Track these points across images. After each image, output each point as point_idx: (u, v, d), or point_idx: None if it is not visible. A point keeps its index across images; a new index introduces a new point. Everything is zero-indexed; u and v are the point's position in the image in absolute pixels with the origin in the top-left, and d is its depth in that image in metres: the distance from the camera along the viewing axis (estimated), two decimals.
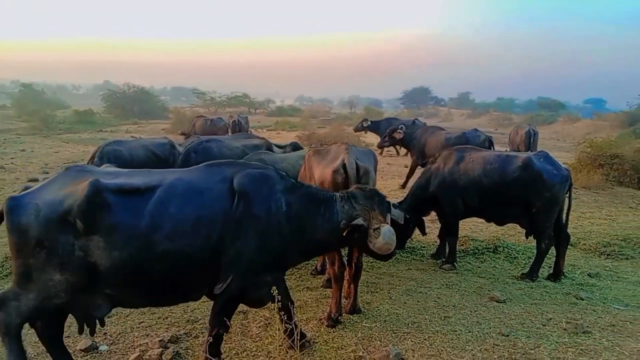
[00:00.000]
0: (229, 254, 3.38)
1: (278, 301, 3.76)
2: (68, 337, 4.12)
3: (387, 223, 3.68)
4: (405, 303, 5.22)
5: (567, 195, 6.20)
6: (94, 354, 4.06)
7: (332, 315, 4.61)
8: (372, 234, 3.65)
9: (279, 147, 8.26)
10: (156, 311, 4.83)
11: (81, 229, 3.06)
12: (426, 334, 4.45)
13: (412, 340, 4.33)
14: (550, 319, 4.92)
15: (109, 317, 4.48)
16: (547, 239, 6.16)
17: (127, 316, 4.74)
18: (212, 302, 3.71)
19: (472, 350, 4.18)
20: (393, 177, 13.50)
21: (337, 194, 3.89)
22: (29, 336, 4.25)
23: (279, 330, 3.97)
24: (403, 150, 15.90)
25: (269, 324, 4.54)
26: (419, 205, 6.61)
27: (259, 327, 4.52)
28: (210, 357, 3.61)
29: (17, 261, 3.13)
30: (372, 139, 18.53)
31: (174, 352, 4.02)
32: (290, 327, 3.89)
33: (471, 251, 7.17)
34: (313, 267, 6.16)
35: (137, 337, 4.34)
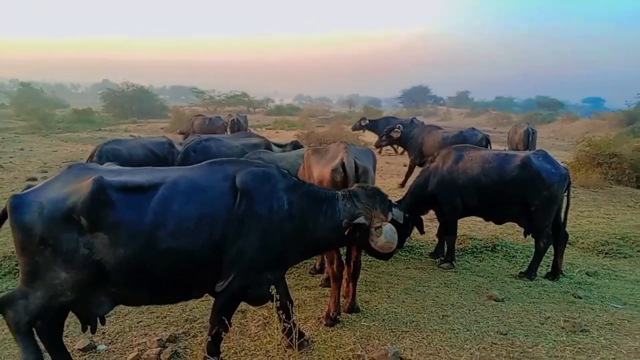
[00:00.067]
0: (231, 252, 3.39)
1: (277, 300, 3.76)
2: (66, 336, 4.12)
3: (389, 222, 3.69)
4: (403, 302, 5.22)
5: (566, 194, 6.21)
6: (92, 354, 4.06)
7: (331, 314, 4.61)
8: (373, 233, 3.66)
9: (279, 146, 8.25)
10: (154, 310, 4.83)
11: (85, 226, 3.07)
12: (424, 333, 4.46)
13: (410, 339, 4.34)
14: (549, 317, 4.93)
15: (107, 317, 4.48)
16: (545, 238, 6.17)
17: (125, 315, 4.74)
18: (210, 302, 3.71)
19: (470, 349, 4.19)
20: (392, 176, 13.51)
21: (339, 192, 3.90)
22: None
23: (277, 329, 3.97)
24: (401, 149, 15.90)
25: (267, 323, 4.54)
26: (417, 204, 6.61)
27: (258, 326, 4.52)
28: (209, 356, 3.62)
29: (22, 259, 3.14)
30: (371, 137, 18.53)
31: (172, 351, 4.02)
32: (289, 326, 3.89)
33: (470, 250, 7.18)
34: (312, 266, 6.16)
35: (135, 337, 4.34)
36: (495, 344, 4.29)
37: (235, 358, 4.00)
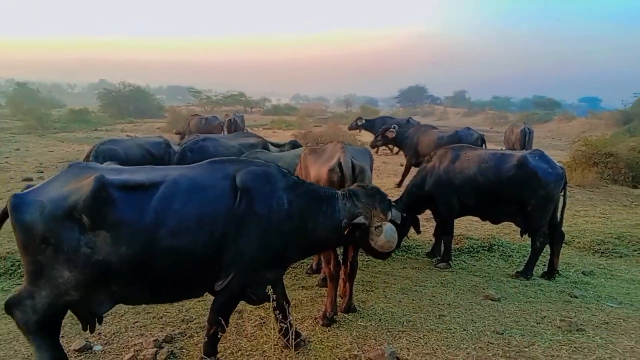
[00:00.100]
0: (230, 251, 3.40)
1: (273, 300, 3.76)
2: (62, 336, 4.09)
3: (389, 221, 3.70)
4: (400, 302, 5.23)
5: (562, 193, 6.23)
6: (88, 354, 4.04)
7: (328, 314, 4.61)
8: (373, 232, 3.68)
9: (278, 145, 8.24)
10: (151, 311, 4.82)
11: (87, 225, 3.07)
12: (421, 333, 4.46)
13: (407, 339, 4.34)
14: (545, 316, 4.94)
15: (103, 317, 4.46)
16: (541, 237, 6.18)
17: (121, 316, 4.73)
18: (207, 302, 3.71)
19: (466, 348, 4.19)
20: (389, 176, 13.51)
21: (339, 191, 3.91)
22: (22, 335, 4.24)
23: (274, 329, 3.97)
24: (397, 149, 15.90)
25: (264, 323, 4.53)
26: (414, 204, 6.62)
27: (254, 326, 4.51)
28: (205, 356, 3.61)
29: (25, 259, 3.15)
30: (368, 137, 18.53)
31: (168, 351, 4.01)
32: (285, 326, 3.89)
33: (466, 250, 7.19)
34: (308, 266, 6.16)
35: (131, 337, 4.33)
36: (491, 343, 4.30)
37: (232, 358, 3.99)
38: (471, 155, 6.46)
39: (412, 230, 6.25)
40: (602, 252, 7.42)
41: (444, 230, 6.69)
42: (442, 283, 5.88)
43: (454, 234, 6.88)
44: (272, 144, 8.24)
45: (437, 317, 4.85)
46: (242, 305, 4.13)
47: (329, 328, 4.52)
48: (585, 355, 4.14)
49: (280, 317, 3.84)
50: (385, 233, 3.63)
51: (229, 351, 4.07)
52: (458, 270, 6.41)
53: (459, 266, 6.59)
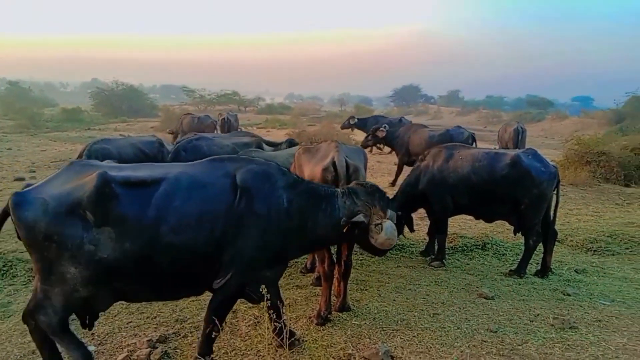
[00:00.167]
0: (230, 249, 3.40)
1: (267, 300, 3.75)
2: None
3: (388, 219, 3.71)
4: (394, 300, 5.23)
5: (555, 192, 6.26)
6: None
7: (322, 313, 4.61)
8: (373, 230, 3.69)
9: (272, 144, 8.22)
10: (144, 311, 4.80)
11: (91, 221, 3.07)
12: (415, 331, 4.47)
13: (401, 338, 4.35)
14: (538, 314, 4.96)
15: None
16: (535, 236, 6.21)
17: (115, 316, 4.70)
18: (201, 302, 3.70)
19: (460, 346, 4.20)
20: (383, 175, 13.53)
21: (339, 189, 3.93)
22: (15, 337, 4.22)
23: (268, 329, 3.96)
24: (388, 149, 15.90)
25: (258, 322, 4.52)
26: (408, 203, 6.63)
27: (248, 325, 4.50)
28: (199, 356, 3.60)
29: (33, 257, 3.16)
30: (361, 136, 18.55)
31: (162, 352, 3.99)
32: (280, 325, 3.89)
33: (460, 248, 7.21)
34: (303, 265, 6.15)
35: (125, 337, 4.30)
36: (485, 341, 4.31)
37: (226, 358, 3.98)
38: (465, 154, 6.47)
39: (406, 229, 6.27)
40: (594, 250, 7.47)
41: (437, 229, 6.71)
42: (436, 282, 5.89)
43: (448, 233, 6.91)
44: (267, 143, 8.22)
45: (431, 315, 4.86)
46: (236, 304, 4.12)
47: (323, 327, 4.52)
48: (578, 352, 4.16)
49: (275, 316, 3.84)
50: (386, 230, 3.65)
51: (223, 351, 4.06)
52: (452, 269, 6.43)
53: (453, 265, 6.61)
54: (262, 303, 3.71)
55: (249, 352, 4.05)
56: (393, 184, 11.72)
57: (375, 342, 4.17)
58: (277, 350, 4.00)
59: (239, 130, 16.76)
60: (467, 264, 6.72)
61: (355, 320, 4.70)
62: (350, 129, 18.72)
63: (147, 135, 9.26)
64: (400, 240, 7.14)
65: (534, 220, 6.16)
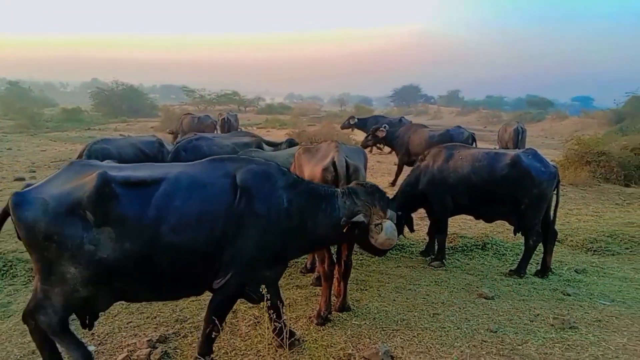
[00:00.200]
0: (230, 249, 3.40)
1: (267, 300, 3.75)
2: None
3: (388, 219, 3.71)
4: (394, 300, 5.23)
5: (555, 192, 6.26)
6: None
7: (322, 313, 4.61)
8: (373, 230, 3.69)
9: (272, 144, 8.22)
10: (144, 311, 4.80)
11: (91, 221, 3.07)
12: (415, 331, 4.47)
13: (401, 338, 4.35)
14: (538, 314, 4.96)
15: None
16: (535, 236, 6.21)
17: (115, 316, 4.70)
18: (201, 302, 3.70)
19: (460, 346, 4.20)
20: (383, 175, 13.53)
21: (339, 189, 3.93)
22: (15, 337, 4.22)
23: (268, 329, 3.96)
24: (387, 149, 15.91)
25: (258, 322, 4.52)
26: (408, 203, 6.63)
27: (248, 325, 4.50)
28: (199, 356, 3.60)
29: (33, 257, 3.16)
30: (361, 136, 18.55)
31: (162, 352, 3.99)
32: (280, 325, 3.89)
33: (460, 248, 7.21)
34: (303, 266, 6.15)
35: (125, 337, 4.30)
36: (485, 341, 4.31)
37: (226, 358, 3.99)
38: (465, 154, 6.47)
39: (406, 229, 6.27)
40: (594, 250, 7.47)
41: (437, 229, 6.71)
42: (436, 282, 5.89)
43: (448, 233, 6.91)
44: (267, 143, 8.22)
45: (431, 315, 4.86)
46: (236, 304, 4.12)
47: (323, 327, 4.53)
48: (578, 352, 4.16)
49: (275, 316, 3.84)
50: (386, 230, 3.65)
51: (222, 351, 4.06)
52: (452, 269, 6.43)
53: (453, 265, 6.61)
54: (262, 303, 3.71)
55: (249, 352, 4.05)
56: (393, 184, 11.72)
57: (375, 342, 4.17)
58: (277, 350, 4.00)
59: (239, 130, 16.75)
60: (467, 264, 6.72)
61: (355, 320, 4.70)
62: (350, 129, 18.71)
63: (147, 135, 9.27)
64: (400, 240, 7.14)
65: (534, 220, 6.16)
